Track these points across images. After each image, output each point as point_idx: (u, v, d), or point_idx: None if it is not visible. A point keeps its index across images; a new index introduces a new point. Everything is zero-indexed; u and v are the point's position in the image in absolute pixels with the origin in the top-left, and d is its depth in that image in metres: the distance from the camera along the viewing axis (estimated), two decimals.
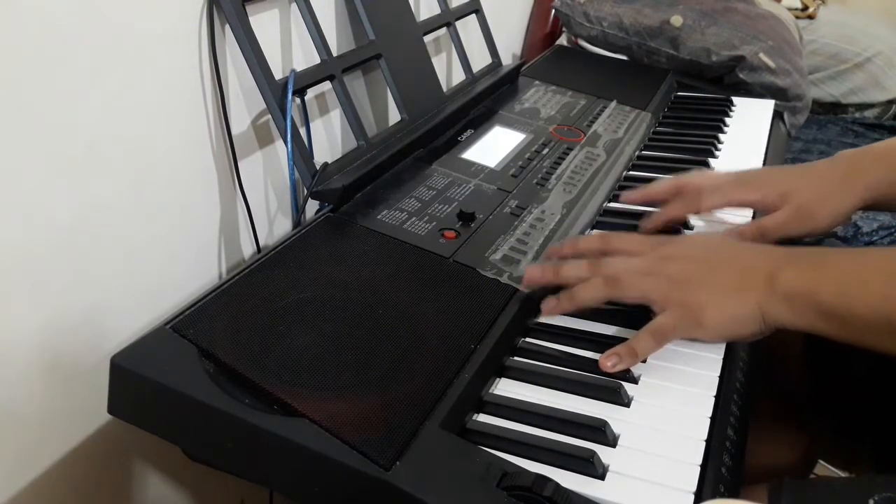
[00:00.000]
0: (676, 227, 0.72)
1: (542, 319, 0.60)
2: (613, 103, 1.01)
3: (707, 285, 0.55)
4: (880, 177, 0.66)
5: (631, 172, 0.86)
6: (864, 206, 0.67)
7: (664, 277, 0.56)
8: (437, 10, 0.94)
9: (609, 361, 0.54)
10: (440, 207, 0.69)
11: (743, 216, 0.74)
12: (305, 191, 0.68)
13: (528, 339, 0.58)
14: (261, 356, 0.49)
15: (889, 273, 0.51)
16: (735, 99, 1.10)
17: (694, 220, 0.74)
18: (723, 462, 0.48)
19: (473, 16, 1.02)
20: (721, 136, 0.98)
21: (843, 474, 0.83)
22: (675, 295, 0.55)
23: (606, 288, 0.57)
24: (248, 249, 0.75)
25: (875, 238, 1.05)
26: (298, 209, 0.71)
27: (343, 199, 0.67)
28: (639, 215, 0.76)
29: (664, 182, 0.72)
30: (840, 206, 0.66)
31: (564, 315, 0.60)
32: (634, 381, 0.54)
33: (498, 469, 0.44)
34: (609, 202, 0.79)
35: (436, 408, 0.47)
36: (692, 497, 0.44)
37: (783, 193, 0.67)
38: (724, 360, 0.56)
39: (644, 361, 0.55)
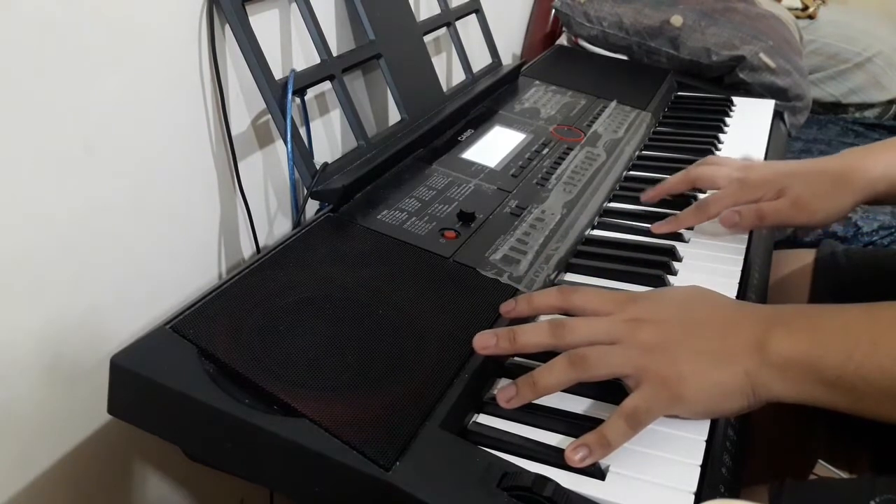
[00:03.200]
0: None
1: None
2: (613, 103, 1.01)
3: (685, 353, 0.48)
4: (882, 173, 0.66)
5: (631, 172, 0.86)
6: (865, 202, 0.68)
7: (635, 346, 0.48)
8: (437, 10, 0.94)
9: (577, 455, 0.45)
10: (440, 207, 0.69)
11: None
12: (305, 191, 0.68)
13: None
14: (261, 356, 0.49)
15: None
16: (735, 99, 1.10)
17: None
18: (723, 462, 0.48)
19: (473, 16, 1.02)
20: (721, 135, 0.98)
21: (844, 475, 0.83)
22: (650, 366, 0.47)
23: (572, 370, 0.49)
24: (247, 249, 0.75)
25: (875, 238, 1.05)
26: (298, 209, 0.71)
27: (343, 199, 0.67)
28: (639, 215, 0.76)
29: (678, 177, 0.76)
30: (838, 202, 0.66)
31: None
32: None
33: (498, 469, 0.44)
34: (609, 202, 0.79)
35: (436, 408, 0.47)
36: (692, 497, 0.44)
37: (782, 188, 0.68)
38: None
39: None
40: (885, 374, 0.44)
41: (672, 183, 0.76)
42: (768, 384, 0.47)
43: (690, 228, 0.73)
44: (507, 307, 0.55)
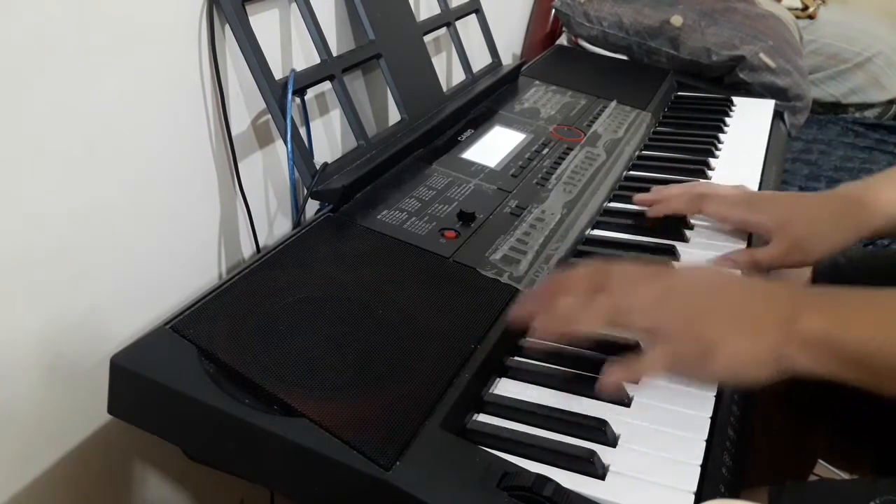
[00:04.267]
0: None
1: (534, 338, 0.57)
2: (613, 103, 1.01)
3: (719, 322, 0.50)
4: (883, 212, 0.66)
5: (631, 172, 0.86)
6: (864, 238, 0.67)
7: (672, 310, 0.51)
8: (437, 10, 0.94)
9: (609, 379, 0.49)
10: (440, 207, 0.69)
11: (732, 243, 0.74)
12: (305, 191, 0.68)
13: (528, 339, 0.58)
14: (261, 356, 0.49)
15: None
16: (735, 99, 1.10)
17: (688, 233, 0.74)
18: (723, 462, 0.48)
19: (473, 16, 1.02)
20: (721, 135, 0.98)
21: (844, 475, 0.83)
22: (686, 329, 0.50)
23: (608, 315, 0.51)
24: (247, 249, 0.75)
25: (875, 238, 1.05)
26: (298, 209, 0.71)
27: (343, 199, 0.67)
28: (639, 215, 0.76)
29: (680, 190, 0.74)
30: (833, 243, 0.66)
31: (558, 343, 0.54)
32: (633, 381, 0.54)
33: (498, 469, 0.44)
34: (609, 202, 0.79)
35: (436, 408, 0.47)
36: (692, 497, 0.44)
37: (781, 223, 0.67)
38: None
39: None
40: None
41: (677, 205, 0.74)
42: (793, 357, 0.48)
43: (686, 223, 0.74)
44: (534, 292, 0.58)
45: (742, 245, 0.71)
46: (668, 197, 0.74)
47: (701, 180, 0.76)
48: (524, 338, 0.58)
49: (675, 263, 0.66)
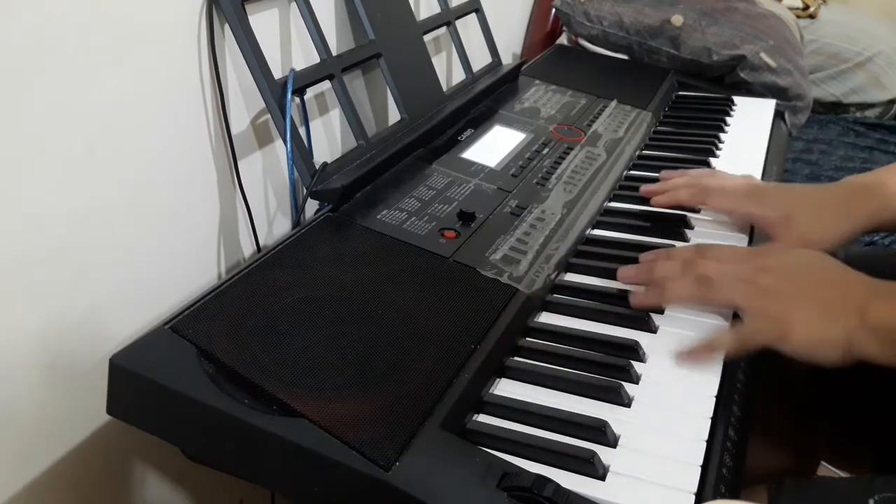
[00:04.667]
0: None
1: (544, 319, 0.60)
2: (614, 103, 1.01)
3: (799, 302, 0.54)
4: (880, 206, 0.67)
5: (631, 172, 0.86)
6: (867, 231, 0.68)
7: (757, 287, 0.56)
8: (437, 10, 0.94)
9: (695, 353, 0.54)
10: (440, 207, 0.69)
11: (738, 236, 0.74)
12: (305, 190, 0.68)
13: (528, 339, 0.58)
14: (260, 356, 0.49)
15: None
16: (736, 98, 1.10)
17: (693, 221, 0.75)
18: (723, 462, 0.48)
19: (473, 15, 1.02)
20: (722, 135, 0.98)
21: (844, 475, 0.83)
22: (767, 306, 0.55)
23: (698, 287, 0.57)
24: (247, 249, 0.75)
25: (876, 238, 1.05)
26: (298, 209, 0.71)
27: (343, 199, 0.67)
28: (640, 215, 0.76)
29: (685, 181, 0.76)
30: (838, 235, 0.67)
31: (651, 310, 0.60)
32: (635, 381, 0.54)
33: (498, 469, 0.44)
34: (609, 202, 0.79)
35: (436, 408, 0.47)
36: (693, 497, 0.44)
37: (787, 216, 0.68)
38: (725, 360, 0.55)
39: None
40: None
41: (682, 197, 0.75)
42: (863, 344, 0.52)
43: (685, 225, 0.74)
44: (645, 256, 0.63)
45: (744, 243, 0.71)
46: (674, 187, 0.76)
47: (706, 169, 0.77)
48: (525, 338, 0.58)
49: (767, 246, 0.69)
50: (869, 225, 0.67)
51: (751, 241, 0.71)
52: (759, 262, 0.58)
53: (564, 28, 1.26)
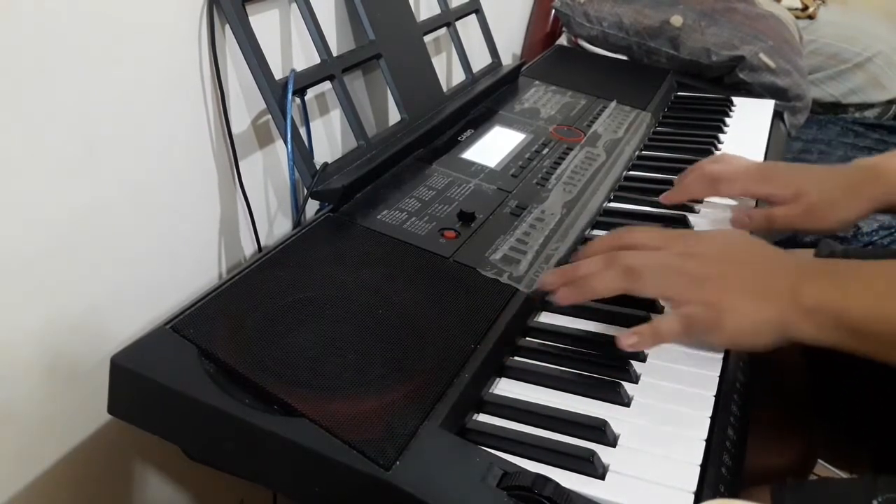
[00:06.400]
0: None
1: (544, 319, 0.60)
2: (613, 103, 1.01)
3: (728, 287, 0.53)
4: (889, 188, 0.67)
5: (631, 172, 0.86)
6: (877, 210, 0.68)
7: (685, 274, 0.54)
8: (437, 10, 0.94)
9: (629, 340, 0.52)
10: (440, 207, 0.69)
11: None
12: (305, 191, 0.68)
13: (528, 339, 0.58)
14: (261, 356, 0.49)
15: None
16: (735, 99, 1.10)
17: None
18: (723, 462, 0.48)
19: (473, 16, 1.02)
20: (721, 136, 0.98)
21: (844, 475, 0.83)
22: (696, 293, 0.53)
23: (624, 279, 0.54)
24: (248, 249, 0.75)
25: (875, 238, 1.05)
26: (298, 209, 0.71)
27: (343, 199, 0.67)
28: (639, 216, 0.76)
29: (698, 181, 0.75)
30: (849, 212, 0.67)
31: (577, 304, 0.58)
32: (635, 380, 0.54)
33: (498, 469, 0.44)
34: (609, 202, 0.79)
35: (436, 408, 0.47)
36: (692, 497, 0.44)
37: (797, 192, 0.68)
38: (724, 359, 0.56)
39: (643, 360, 0.55)
40: None
41: (694, 190, 0.75)
42: (798, 325, 0.51)
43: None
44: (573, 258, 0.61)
45: None
46: (686, 185, 0.76)
47: (709, 156, 0.77)
48: (525, 338, 0.58)
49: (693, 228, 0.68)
50: (877, 206, 0.67)
51: None
52: (684, 248, 0.55)
53: (564, 29, 1.26)
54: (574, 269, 0.57)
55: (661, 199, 0.76)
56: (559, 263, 0.65)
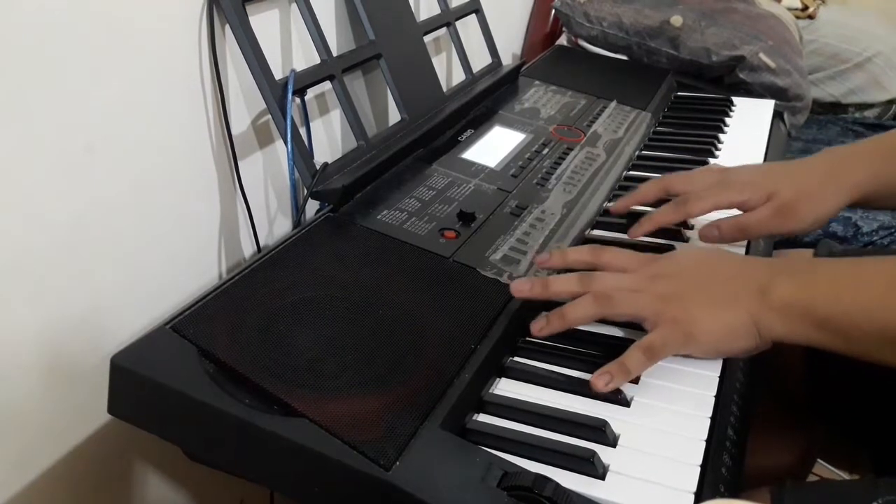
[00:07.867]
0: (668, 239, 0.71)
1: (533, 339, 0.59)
2: (613, 103, 1.01)
3: (698, 300, 0.54)
4: (867, 174, 0.65)
5: (631, 172, 0.86)
6: (852, 203, 0.65)
7: (655, 295, 0.54)
8: (437, 10, 0.94)
9: (601, 380, 0.51)
10: (440, 207, 0.69)
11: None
12: (305, 191, 0.68)
13: (528, 339, 0.58)
14: (261, 356, 0.49)
15: (888, 278, 0.50)
16: (735, 99, 1.10)
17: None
18: (723, 462, 0.48)
19: (473, 16, 1.02)
20: (721, 136, 0.98)
21: (844, 475, 0.83)
22: (667, 311, 0.53)
23: (597, 306, 0.55)
24: (248, 249, 0.75)
25: (875, 238, 1.05)
26: (298, 209, 0.71)
27: (343, 199, 0.67)
28: (639, 216, 0.76)
29: (650, 185, 0.71)
30: (825, 205, 0.64)
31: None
32: (635, 380, 0.54)
33: (498, 469, 0.44)
34: (609, 202, 0.79)
35: (436, 408, 0.47)
36: (692, 497, 0.44)
37: (769, 193, 0.65)
38: (725, 360, 0.56)
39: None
40: (870, 316, 0.49)
41: (644, 192, 0.71)
42: (770, 325, 0.52)
43: (679, 227, 0.71)
44: (542, 258, 0.61)
45: (742, 247, 0.71)
46: (642, 199, 0.71)
47: (665, 176, 0.71)
48: (525, 338, 0.58)
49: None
50: (856, 196, 0.65)
51: (749, 240, 0.71)
52: (653, 270, 0.56)
53: (564, 29, 1.26)
54: (544, 284, 0.57)
55: (630, 232, 0.70)
56: None
